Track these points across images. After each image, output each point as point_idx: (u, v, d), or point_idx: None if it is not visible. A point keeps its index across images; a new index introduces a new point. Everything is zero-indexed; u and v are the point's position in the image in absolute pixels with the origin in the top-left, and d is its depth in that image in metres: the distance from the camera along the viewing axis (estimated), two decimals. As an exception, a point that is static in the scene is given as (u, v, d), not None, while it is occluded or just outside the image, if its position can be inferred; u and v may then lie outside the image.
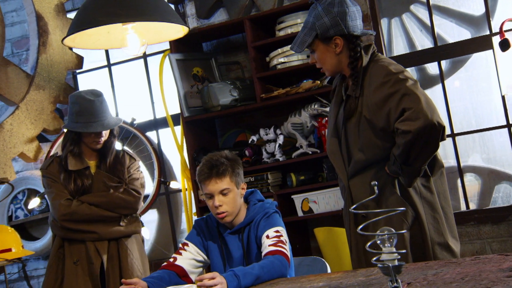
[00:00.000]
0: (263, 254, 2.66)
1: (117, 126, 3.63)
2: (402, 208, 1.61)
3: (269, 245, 2.65)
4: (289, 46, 4.16)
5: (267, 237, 2.70)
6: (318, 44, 2.70)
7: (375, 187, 1.60)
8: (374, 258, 1.52)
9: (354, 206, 1.69)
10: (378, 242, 1.53)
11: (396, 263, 1.50)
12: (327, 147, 2.83)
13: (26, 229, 5.57)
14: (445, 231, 2.63)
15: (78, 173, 3.57)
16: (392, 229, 1.52)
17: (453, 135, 4.31)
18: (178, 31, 2.71)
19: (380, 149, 2.63)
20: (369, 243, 1.51)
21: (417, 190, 2.63)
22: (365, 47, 2.71)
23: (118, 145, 3.78)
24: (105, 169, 3.61)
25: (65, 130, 3.63)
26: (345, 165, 2.71)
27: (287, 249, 2.67)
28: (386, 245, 1.51)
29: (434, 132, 2.47)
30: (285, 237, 2.72)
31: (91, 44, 2.70)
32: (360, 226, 1.57)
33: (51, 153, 4.85)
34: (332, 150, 2.75)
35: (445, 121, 2.56)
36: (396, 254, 1.50)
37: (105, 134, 3.56)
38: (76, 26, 2.44)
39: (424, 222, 2.59)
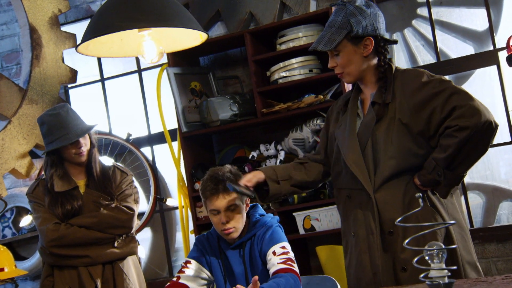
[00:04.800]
0: (271, 271, 2.58)
1: (95, 134, 3.43)
2: (452, 222, 1.51)
3: (278, 263, 2.59)
4: (293, 59, 4.14)
5: (274, 253, 2.63)
6: (346, 44, 2.55)
7: (420, 200, 1.50)
8: (422, 275, 1.42)
9: (400, 219, 1.58)
10: (427, 258, 1.43)
11: (447, 280, 1.40)
12: (346, 158, 2.61)
13: (13, 249, 5.39)
14: (472, 249, 2.52)
15: (66, 195, 3.35)
16: (442, 244, 1.42)
17: (456, 152, 4.24)
18: (196, 38, 2.59)
19: (414, 156, 2.50)
20: (416, 259, 1.40)
21: (444, 207, 2.51)
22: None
23: (108, 161, 3.61)
24: (95, 186, 3.39)
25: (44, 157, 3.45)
26: (370, 176, 2.54)
27: (296, 267, 2.59)
28: (435, 261, 1.41)
29: (490, 131, 2.38)
30: (292, 254, 2.66)
31: (104, 52, 2.57)
32: (406, 241, 1.46)
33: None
34: (355, 160, 2.56)
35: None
36: (446, 271, 1.40)
37: (85, 143, 3.35)
38: (92, 32, 2.29)
39: (454, 239, 2.46)
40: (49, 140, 3.31)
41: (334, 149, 2.71)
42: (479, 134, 2.37)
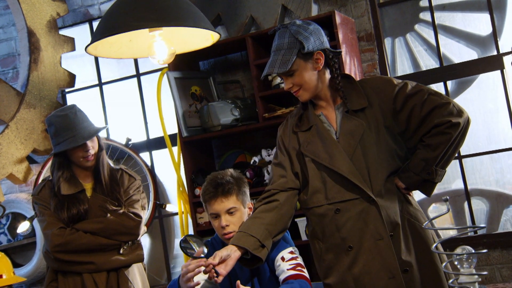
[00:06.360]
0: (281, 278, 2.53)
1: (104, 139, 3.38)
2: (483, 226, 1.47)
3: (288, 269, 2.54)
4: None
5: (282, 259, 2.59)
6: (299, 62, 2.53)
7: (447, 203, 1.46)
8: (451, 280, 1.37)
9: (427, 222, 1.53)
10: (456, 263, 1.38)
11: (477, 286, 1.35)
12: (341, 170, 2.55)
13: (9, 255, 5.30)
14: None
15: (72, 198, 3.26)
16: (471, 248, 1.37)
17: (460, 157, 4.20)
18: (207, 39, 2.53)
19: (399, 158, 2.60)
20: (444, 263, 1.36)
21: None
22: None
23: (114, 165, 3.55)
24: (102, 190, 3.31)
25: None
26: (366, 183, 2.53)
27: (306, 273, 2.54)
28: (464, 266, 1.36)
29: (469, 127, 2.55)
30: (300, 259, 2.62)
31: (113, 53, 2.49)
32: (434, 244, 1.42)
33: (42, 175, 4.62)
34: (350, 170, 2.54)
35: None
36: (477, 276, 1.35)
37: (92, 146, 3.27)
38: (102, 32, 2.20)
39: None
40: (56, 141, 3.24)
41: (308, 168, 2.62)
42: (464, 130, 2.53)
